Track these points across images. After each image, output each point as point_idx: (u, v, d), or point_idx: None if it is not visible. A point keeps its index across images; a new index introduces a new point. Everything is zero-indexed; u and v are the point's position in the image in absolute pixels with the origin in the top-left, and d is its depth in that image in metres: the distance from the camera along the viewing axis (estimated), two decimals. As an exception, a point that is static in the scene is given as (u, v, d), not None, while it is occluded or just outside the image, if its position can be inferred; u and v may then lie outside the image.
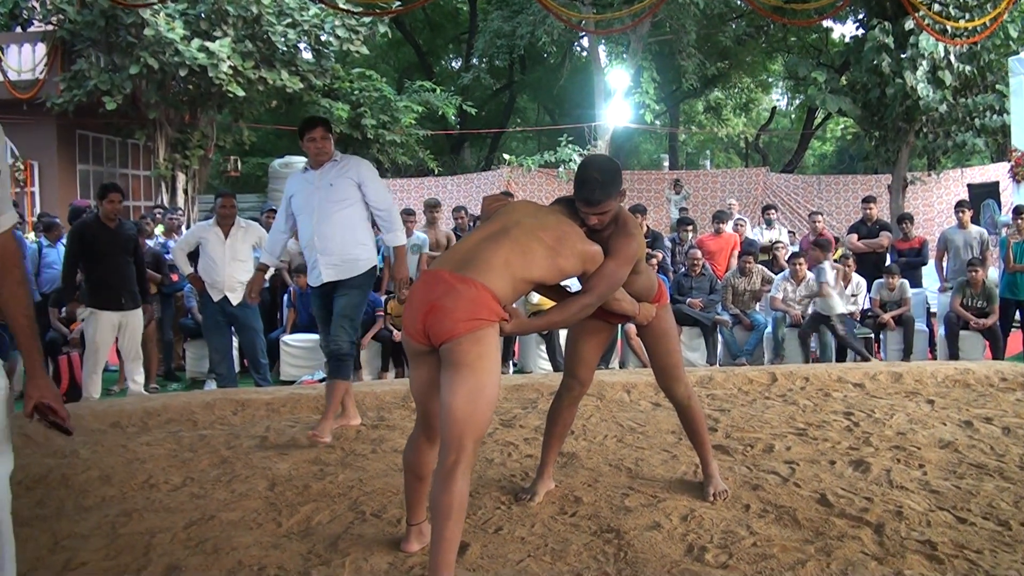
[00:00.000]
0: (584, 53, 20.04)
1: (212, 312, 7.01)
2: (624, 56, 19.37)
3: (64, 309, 7.43)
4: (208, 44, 13.94)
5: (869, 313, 8.72)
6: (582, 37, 16.22)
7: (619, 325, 3.88)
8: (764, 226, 11.49)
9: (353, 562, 3.09)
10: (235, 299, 6.88)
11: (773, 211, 11.89)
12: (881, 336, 8.67)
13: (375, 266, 5.04)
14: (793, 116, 30.68)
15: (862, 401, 5.66)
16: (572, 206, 3.27)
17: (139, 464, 4.41)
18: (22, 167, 15.55)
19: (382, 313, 8.25)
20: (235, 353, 7.86)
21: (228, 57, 14.08)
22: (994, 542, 3.18)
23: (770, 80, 27.87)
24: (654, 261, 8.66)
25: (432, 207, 9.72)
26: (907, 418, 5.12)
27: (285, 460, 4.49)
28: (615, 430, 5.07)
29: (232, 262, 6.92)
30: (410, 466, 3.12)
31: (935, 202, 18.29)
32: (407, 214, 9.35)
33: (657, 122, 28.32)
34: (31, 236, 9.86)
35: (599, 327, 3.73)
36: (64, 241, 8.00)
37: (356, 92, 19.01)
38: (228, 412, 5.68)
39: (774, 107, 30.21)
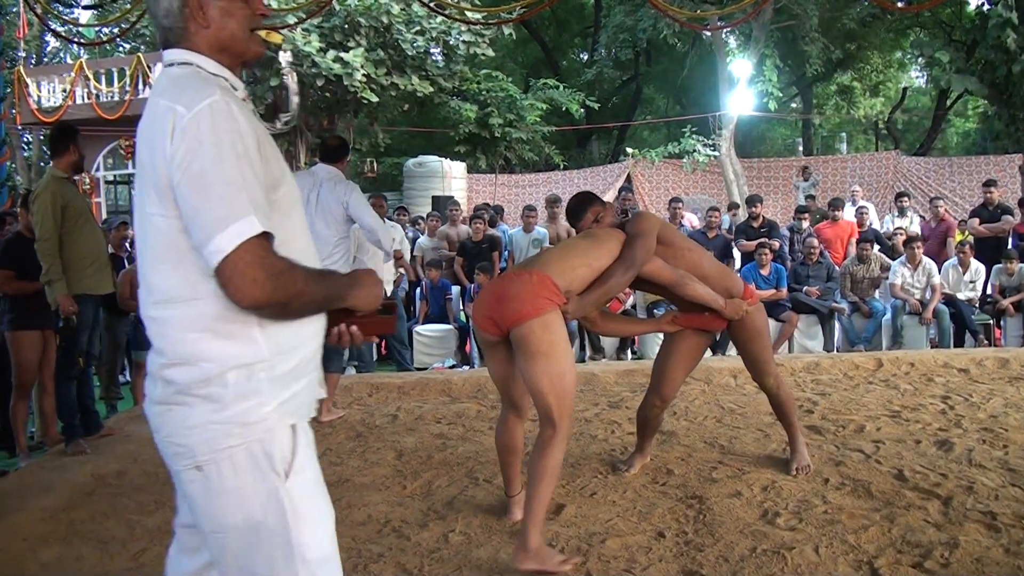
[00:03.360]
0: (709, 41, 20.01)
1: None
2: (747, 45, 19.26)
3: None
4: (342, 55, 14.85)
5: (989, 299, 8.62)
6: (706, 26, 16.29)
7: (714, 336, 4.25)
8: (896, 213, 11.32)
9: (464, 517, 3.61)
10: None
11: (906, 198, 11.65)
12: (1001, 322, 8.56)
13: None
14: (932, 94, 29.47)
15: (963, 386, 5.77)
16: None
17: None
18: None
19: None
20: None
21: (361, 66, 14.95)
22: (1056, 515, 3.38)
23: (907, 58, 26.89)
24: (768, 252, 8.82)
25: (552, 203, 10.15)
26: (1003, 402, 5.23)
27: (412, 435, 5.06)
28: (716, 411, 5.41)
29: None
30: (503, 445, 3.55)
31: (1067, 181, 17.35)
32: (528, 210, 9.85)
33: (792, 106, 27.81)
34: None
35: (692, 346, 4.07)
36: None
37: (483, 93, 19.69)
38: (364, 394, 6.32)
39: (905, 87, 29.07)
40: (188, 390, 1.64)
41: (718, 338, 8.33)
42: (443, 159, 19.50)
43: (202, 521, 1.71)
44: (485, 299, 3.31)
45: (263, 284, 1.58)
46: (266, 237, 1.60)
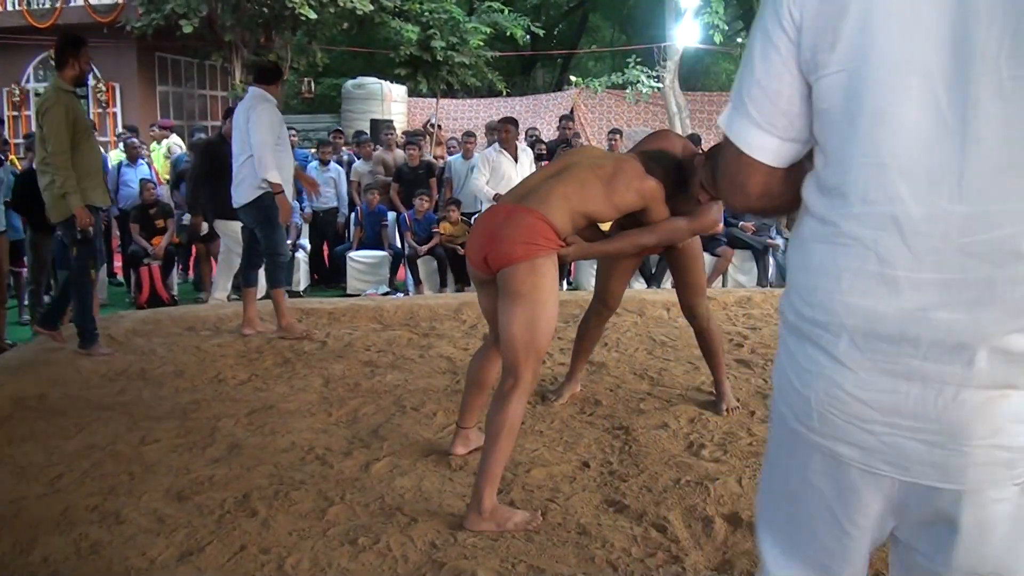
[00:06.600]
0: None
1: None
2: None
3: (190, 221, 8.01)
4: (280, -33, 14.26)
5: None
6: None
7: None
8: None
9: (389, 445, 3.55)
10: None
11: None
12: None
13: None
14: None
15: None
16: (651, 159, 3.39)
17: (210, 362, 4.95)
18: (104, 88, 16.25)
19: (437, 231, 8.58)
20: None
21: (300, -20, 14.39)
22: None
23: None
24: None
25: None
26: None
27: (340, 362, 4.97)
28: (647, 344, 5.42)
29: None
30: (473, 374, 3.33)
31: None
32: (467, 136, 9.64)
33: (738, 40, 27.64)
34: (112, 155, 10.43)
35: (629, 263, 4.07)
36: (142, 161, 8.93)
37: (426, 14, 19.12)
38: (293, 320, 6.15)
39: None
40: None
41: (654, 270, 8.40)
42: (383, 81, 19.02)
43: (983, 564, 1.15)
44: (478, 236, 3.04)
45: None
46: None
